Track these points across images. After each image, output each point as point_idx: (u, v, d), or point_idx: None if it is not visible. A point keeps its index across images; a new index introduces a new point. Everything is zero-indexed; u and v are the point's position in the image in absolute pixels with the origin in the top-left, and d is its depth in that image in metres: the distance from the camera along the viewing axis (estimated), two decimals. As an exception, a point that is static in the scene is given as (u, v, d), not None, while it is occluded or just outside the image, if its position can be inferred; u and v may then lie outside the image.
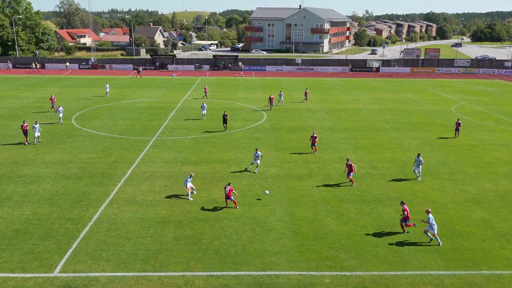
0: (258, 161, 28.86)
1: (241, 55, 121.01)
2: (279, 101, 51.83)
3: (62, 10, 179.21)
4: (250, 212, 23.04)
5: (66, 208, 23.31)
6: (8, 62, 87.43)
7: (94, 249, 19.27)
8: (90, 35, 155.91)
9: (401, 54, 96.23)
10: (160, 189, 25.98)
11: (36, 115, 45.10)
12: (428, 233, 20.19)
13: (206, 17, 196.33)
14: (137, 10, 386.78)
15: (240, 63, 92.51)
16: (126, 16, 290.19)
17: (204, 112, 43.75)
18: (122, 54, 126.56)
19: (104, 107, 50.23)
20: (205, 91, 56.65)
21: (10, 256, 18.60)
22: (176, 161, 30.95)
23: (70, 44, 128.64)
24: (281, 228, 21.36)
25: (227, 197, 23.28)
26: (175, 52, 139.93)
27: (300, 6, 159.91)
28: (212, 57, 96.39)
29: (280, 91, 54.06)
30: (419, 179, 28.02)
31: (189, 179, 24.71)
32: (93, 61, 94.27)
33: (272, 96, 49.77)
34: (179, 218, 22.31)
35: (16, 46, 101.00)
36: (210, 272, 17.68)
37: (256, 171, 28.88)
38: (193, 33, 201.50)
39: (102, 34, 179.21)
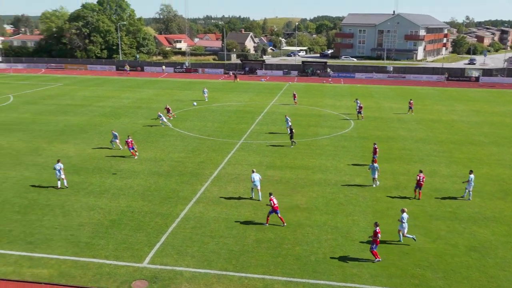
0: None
1: (330, 61, 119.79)
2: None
3: (161, 16, 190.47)
4: (332, 221, 22.70)
5: (157, 203, 24.69)
6: (126, 65, 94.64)
7: (180, 244, 20.18)
8: (186, 40, 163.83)
9: (505, 63, 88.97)
10: (244, 191, 26.54)
11: (135, 113, 48.31)
12: (400, 233, 20.30)
13: (297, 23, 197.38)
14: (230, 17, 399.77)
15: (328, 70, 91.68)
16: (220, 23, 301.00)
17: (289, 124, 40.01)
18: (214, 59, 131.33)
19: (195, 109, 52.47)
20: (294, 98, 56.72)
21: (106, 244, 20.11)
22: (260, 165, 31.42)
23: (167, 48, 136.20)
24: (365, 240, 20.78)
25: (274, 210, 21.63)
26: (264, 57, 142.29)
27: (394, 12, 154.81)
28: (300, 63, 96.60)
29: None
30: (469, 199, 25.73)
31: (255, 176, 24.77)
32: (187, 65, 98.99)
33: (361, 105, 48.13)
34: (262, 221, 22.60)
35: (120, 50, 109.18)
36: (289, 278, 17.69)
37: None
38: (283, 39, 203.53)
39: (196, 40, 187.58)
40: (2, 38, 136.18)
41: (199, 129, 41.95)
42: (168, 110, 46.23)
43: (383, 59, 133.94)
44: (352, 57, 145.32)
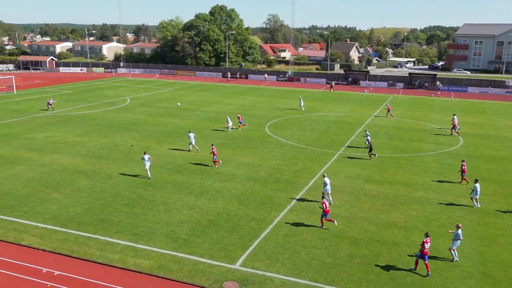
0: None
1: (440, 74, 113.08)
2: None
3: (268, 26, 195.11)
4: (433, 243, 21.30)
5: (252, 207, 25.22)
6: (229, 73, 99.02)
7: (272, 250, 20.37)
8: (290, 49, 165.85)
9: None
10: (339, 203, 26.04)
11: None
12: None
13: (405, 34, 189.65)
14: (336, 26, 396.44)
15: (438, 83, 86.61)
16: (325, 32, 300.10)
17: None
18: (317, 69, 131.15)
19: (295, 118, 52.79)
20: (388, 110, 54.78)
21: (202, 243, 21.00)
22: (358, 178, 30.61)
23: (271, 57, 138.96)
24: (468, 267, 19.20)
25: (325, 214, 22.43)
26: (369, 68, 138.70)
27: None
28: (407, 75, 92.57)
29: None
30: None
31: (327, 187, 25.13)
32: (289, 74, 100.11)
33: (456, 121, 44.53)
34: (356, 235, 21.98)
35: (227, 58, 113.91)
36: (382, 298, 16.94)
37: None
38: (390, 49, 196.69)
39: (300, 49, 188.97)
40: (124, 46, 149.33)
41: (297, 138, 42.11)
42: (239, 119, 46.38)
43: (501, 73, 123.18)
44: (465, 70, 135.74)
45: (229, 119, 45.83)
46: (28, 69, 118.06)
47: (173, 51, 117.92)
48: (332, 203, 25.68)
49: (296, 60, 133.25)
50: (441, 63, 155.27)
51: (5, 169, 31.52)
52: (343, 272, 18.64)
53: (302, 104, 59.36)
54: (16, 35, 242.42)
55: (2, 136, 41.34)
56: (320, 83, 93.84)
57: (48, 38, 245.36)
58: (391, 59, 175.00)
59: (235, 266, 19.00)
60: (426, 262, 18.53)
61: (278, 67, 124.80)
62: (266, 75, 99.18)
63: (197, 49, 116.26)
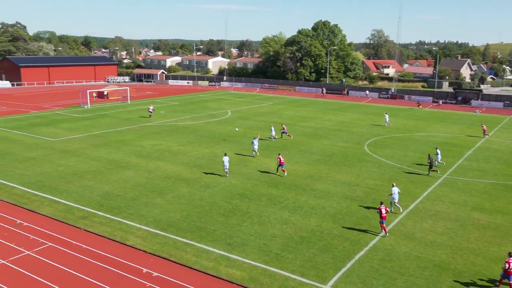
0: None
1: None
2: None
3: (371, 41, 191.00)
4: (553, 284, 18.96)
5: (347, 227, 24.59)
6: (324, 88, 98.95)
7: (366, 274, 19.63)
8: (394, 66, 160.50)
9: None
10: (442, 230, 24.38)
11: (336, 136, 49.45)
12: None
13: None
14: (446, 42, 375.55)
15: None
16: (433, 48, 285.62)
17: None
18: (423, 86, 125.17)
19: (396, 137, 50.74)
20: (484, 131, 50.87)
21: (293, 259, 20.90)
22: (465, 205, 28.43)
23: (374, 74, 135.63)
24: None
25: (382, 220, 23.62)
26: (482, 86, 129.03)
27: None
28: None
29: None
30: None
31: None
32: (393, 91, 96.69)
33: None
34: (460, 267, 20.36)
35: (327, 74, 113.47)
36: None
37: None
38: (508, 67, 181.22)
39: (405, 66, 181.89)
40: (228, 60, 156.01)
41: (398, 158, 40.38)
42: (283, 129, 48.28)
43: None
44: None
45: (273, 128, 47.83)
46: (141, 81, 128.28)
47: (275, 66, 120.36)
48: (392, 211, 26.64)
49: (400, 77, 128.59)
50: None
51: (117, 173, 34.36)
52: (444, 306, 17.34)
53: (388, 119, 58.13)
54: (133, 50, 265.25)
55: (116, 142, 45.20)
56: (426, 101, 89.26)
57: (160, 53, 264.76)
58: (508, 77, 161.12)
59: (326, 286, 18.61)
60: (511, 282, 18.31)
61: (380, 83, 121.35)
62: (367, 91, 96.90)
63: (298, 64, 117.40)
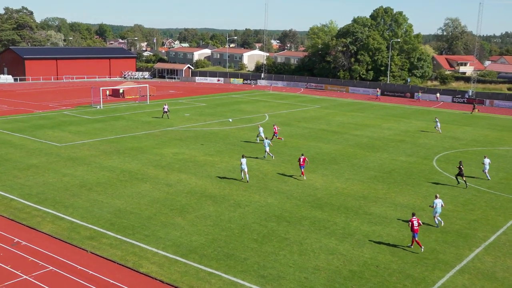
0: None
1: None
2: None
3: (444, 33, 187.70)
4: None
5: (409, 262, 24.06)
6: (378, 89, 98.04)
7: (432, 321, 19.09)
8: (473, 63, 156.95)
9: None
10: (531, 270, 23.47)
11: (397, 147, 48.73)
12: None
13: None
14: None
15: None
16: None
17: None
18: (509, 88, 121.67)
19: (474, 151, 49.48)
20: None
21: (341, 298, 20.59)
22: (562, 239, 27.29)
23: (447, 72, 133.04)
24: None
25: (413, 233, 25.05)
26: None
27: None
28: None
29: None
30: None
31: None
32: (470, 94, 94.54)
33: None
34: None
35: (388, 72, 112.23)
36: None
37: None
38: None
39: (487, 63, 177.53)
40: (267, 54, 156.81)
41: (476, 178, 39.30)
42: (274, 131, 50.49)
43: None
44: None
45: (261, 129, 50.27)
46: (164, 77, 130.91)
47: (323, 61, 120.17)
48: (438, 226, 28.61)
49: (480, 77, 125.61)
50: None
51: (131, 186, 35.02)
52: None
53: (439, 126, 58.96)
54: (155, 41, 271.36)
55: (131, 149, 46.16)
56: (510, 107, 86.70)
57: (186, 45, 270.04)
58: None
59: (381, 334, 18.21)
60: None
61: (455, 84, 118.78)
62: (438, 94, 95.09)
63: (352, 59, 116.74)
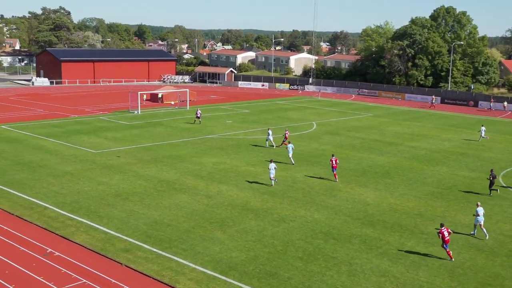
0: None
1: None
2: None
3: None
4: None
5: (470, 287, 23.48)
6: (434, 97, 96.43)
7: None
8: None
9: None
10: None
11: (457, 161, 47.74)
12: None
13: None
14: None
15: None
16: None
17: None
18: None
19: (546, 166, 47.93)
20: None
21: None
22: None
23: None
24: None
25: (444, 243, 26.23)
26: None
27: None
28: None
29: None
30: None
31: None
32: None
33: None
34: None
35: (449, 78, 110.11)
36: None
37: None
38: None
39: None
40: (316, 57, 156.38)
41: (548, 196, 38.09)
42: (285, 135, 52.39)
43: None
44: None
45: (270, 132, 52.29)
46: (205, 82, 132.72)
47: (377, 65, 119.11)
48: (475, 235, 29.93)
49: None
50: None
51: (169, 197, 35.56)
52: None
53: (483, 133, 60.05)
54: (196, 42, 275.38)
55: (169, 158, 46.90)
56: None
57: (229, 47, 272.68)
58: None
59: None
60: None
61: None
62: (505, 103, 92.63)
63: (409, 64, 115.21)
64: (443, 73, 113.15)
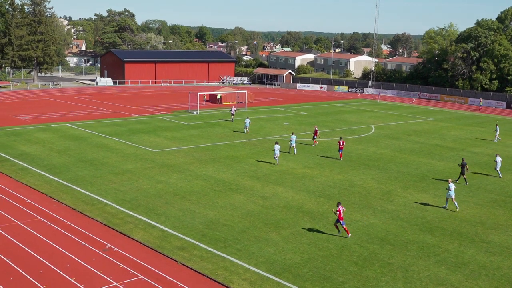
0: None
1: None
2: None
3: None
4: None
5: (532, 300, 22.64)
6: (481, 99, 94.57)
7: None
8: None
9: None
10: None
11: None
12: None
13: None
14: None
15: None
16: None
17: None
18: None
19: None
20: None
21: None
22: None
23: None
24: None
25: (338, 220, 28.53)
26: None
27: None
28: None
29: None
30: None
31: None
32: None
33: None
34: None
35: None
36: None
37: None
38: None
39: None
40: (376, 60, 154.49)
41: None
42: (315, 133, 54.21)
43: None
44: None
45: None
46: (263, 83, 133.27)
47: (439, 69, 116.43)
48: (458, 209, 33.92)
49: None
50: None
51: (225, 197, 35.93)
52: None
53: (498, 134, 61.37)
54: (255, 44, 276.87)
55: (226, 158, 47.38)
56: None
57: (288, 49, 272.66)
58: None
59: None
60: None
61: None
62: None
63: (474, 67, 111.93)
64: (509, 77, 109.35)
